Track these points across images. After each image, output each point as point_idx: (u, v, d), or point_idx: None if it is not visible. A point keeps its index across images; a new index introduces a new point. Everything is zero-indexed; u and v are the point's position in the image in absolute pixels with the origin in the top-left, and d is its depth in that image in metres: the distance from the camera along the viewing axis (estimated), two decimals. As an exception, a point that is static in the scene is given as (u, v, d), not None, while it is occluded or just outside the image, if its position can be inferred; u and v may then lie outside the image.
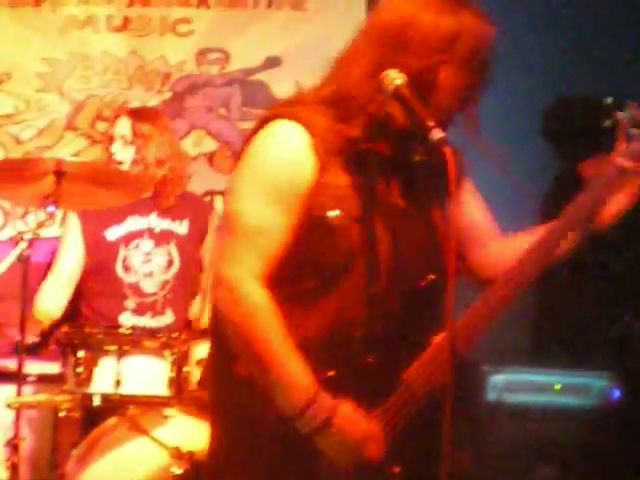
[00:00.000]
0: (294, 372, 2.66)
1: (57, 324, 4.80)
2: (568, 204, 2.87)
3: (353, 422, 2.67)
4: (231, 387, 2.88)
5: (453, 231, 2.67)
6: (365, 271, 2.77)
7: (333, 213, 2.73)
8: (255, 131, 2.80)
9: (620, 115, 2.89)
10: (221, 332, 2.80)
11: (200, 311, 5.01)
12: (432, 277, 2.83)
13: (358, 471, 2.72)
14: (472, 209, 3.00)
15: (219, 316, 2.78)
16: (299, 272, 2.77)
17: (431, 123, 2.60)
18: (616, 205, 2.92)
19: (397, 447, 2.75)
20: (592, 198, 2.88)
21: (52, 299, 4.84)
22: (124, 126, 4.99)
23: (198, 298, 5.06)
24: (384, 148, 2.80)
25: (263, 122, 2.79)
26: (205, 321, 4.86)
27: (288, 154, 2.74)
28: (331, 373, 2.71)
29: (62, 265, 4.94)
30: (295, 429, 2.66)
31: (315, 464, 2.72)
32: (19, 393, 4.01)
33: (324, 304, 2.77)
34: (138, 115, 5.06)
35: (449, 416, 2.54)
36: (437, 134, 2.57)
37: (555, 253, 2.90)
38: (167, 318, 4.96)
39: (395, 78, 2.68)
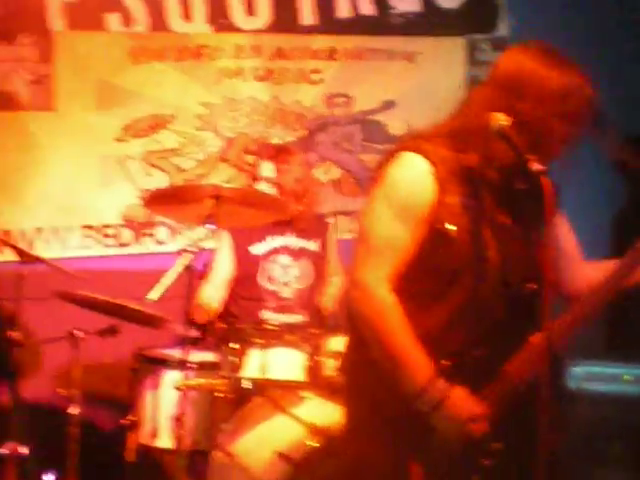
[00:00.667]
0: (416, 359, 2.70)
1: (212, 321, 4.84)
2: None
3: (463, 403, 2.69)
4: (364, 371, 2.90)
5: (549, 249, 2.68)
6: (475, 277, 2.78)
7: (451, 227, 2.75)
8: (386, 161, 2.83)
9: None
10: (355, 326, 2.85)
11: (327, 311, 5.04)
12: (531, 286, 2.82)
13: (464, 445, 2.72)
14: (563, 235, 2.99)
15: (353, 313, 2.82)
16: (420, 276, 2.79)
17: (531, 157, 2.61)
18: None
19: (498, 426, 2.74)
20: None
21: (209, 299, 4.89)
22: (268, 169, 5.02)
23: (326, 301, 5.07)
24: (493, 176, 2.80)
25: (393, 154, 2.82)
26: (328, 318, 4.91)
27: (413, 180, 2.77)
28: (445, 362, 2.72)
29: (217, 272, 4.99)
30: (414, 408, 2.68)
31: (429, 438, 2.73)
32: (185, 377, 4.06)
33: (440, 304, 2.79)
34: (279, 157, 5.07)
35: (546, 403, 2.54)
36: (536, 167, 2.58)
37: (628, 281, 2.89)
38: (300, 317, 4.98)
39: (501, 120, 2.69)
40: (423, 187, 2.76)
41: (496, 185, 2.81)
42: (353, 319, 2.84)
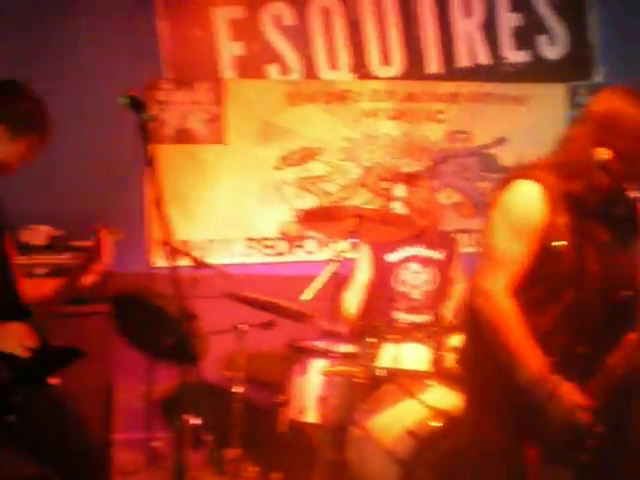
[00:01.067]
0: (532, 355, 2.71)
1: (354, 320, 4.86)
2: None
3: (571, 395, 2.68)
4: (483, 364, 2.90)
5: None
6: (579, 286, 2.77)
7: (559, 243, 2.75)
8: (502, 187, 2.86)
9: None
10: (476, 327, 2.84)
11: (449, 312, 5.01)
12: (628, 293, 2.78)
13: (571, 429, 2.70)
14: None
15: (476, 317, 2.82)
16: (533, 285, 2.80)
17: (629, 186, 2.59)
18: None
19: (600, 413, 2.71)
20: None
21: (351, 303, 4.92)
22: (401, 190, 5.05)
23: (448, 304, 5.04)
24: (594, 200, 2.78)
25: (509, 181, 2.85)
26: (450, 319, 4.88)
27: (527, 203, 2.78)
28: (553, 359, 2.72)
29: (357, 279, 5.02)
30: (529, 396, 2.69)
31: (543, 423, 2.71)
32: (329, 365, 4.09)
33: (550, 309, 2.79)
34: (410, 181, 5.10)
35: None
36: (634, 194, 2.56)
37: None
38: (426, 317, 4.96)
39: (602, 153, 2.67)
40: (536, 209, 2.77)
41: (597, 208, 2.81)
42: (477, 321, 2.84)
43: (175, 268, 2.71)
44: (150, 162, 2.77)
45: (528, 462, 2.75)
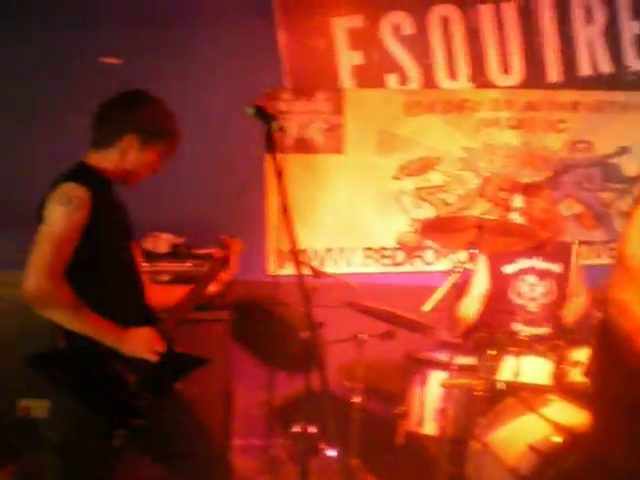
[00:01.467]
0: None
1: (470, 330, 4.81)
2: None
3: None
4: (616, 379, 2.85)
5: None
6: None
7: None
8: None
9: None
10: (608, 340, 2.79)
11: (569, 325, 4.90)
12: None
13: None
14: None
15: (610, 328, 2.77)
16: None
17: None
18: None
19: None
20: None
21: (468, 310, 4.88)
22: (518, 201, 4.98)
23: (568, 316, 4.94)
24: None
25: None
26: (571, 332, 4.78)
27: None
28: None
29: (474, 288, 4.98)
30: None
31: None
32: (449, 377, 4.04)
33: None
34: (528, 192, 5.03)
35: None
36: None
37: None
38: (545, 329, 4.88)
39: None
40: None
41: None
42: (610, 332, 2.77)
43: (301, 277, 2.73)
44: (278, 172, 2.78)
45: None
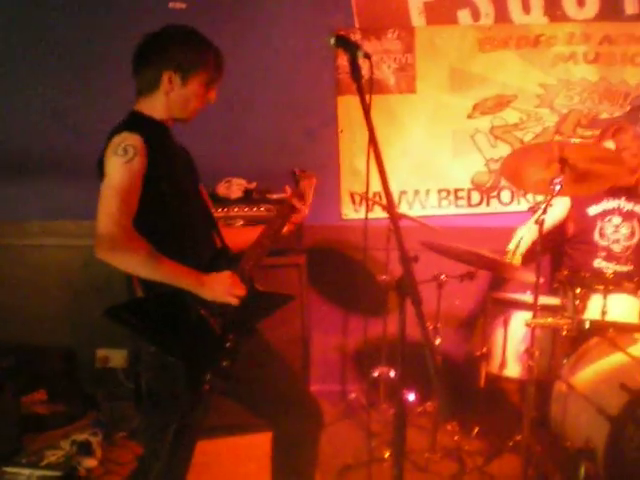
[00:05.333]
0: None
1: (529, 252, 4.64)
2: None
3: None
4: None
5: None
6: None
7: None
8: None
9: None
10: None
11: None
12: None
13: None
14: None
15: None
16: None
17: None
18: None
19: None
20: None
21: (520, 237, 4.60)
22: (610, 144, 4.81)
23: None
24: None
25: None
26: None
27: None
28: None
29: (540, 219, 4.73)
30: None
31: None
32: (534, 316, 3.96)
33: None
34: (617, 136, 4.85)
35: None
36: None
37: None
38: (628, 267, 4.79)
39: None
40: None
41: None
42: None
43: (394, 216, 2.67)
44: (365, 105, 2.71)
45: None
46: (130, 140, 2.94)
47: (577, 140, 4.79)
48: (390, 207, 2.69)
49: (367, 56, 2.77)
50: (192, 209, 3.17)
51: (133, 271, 2.93)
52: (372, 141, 2.61)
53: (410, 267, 2.46)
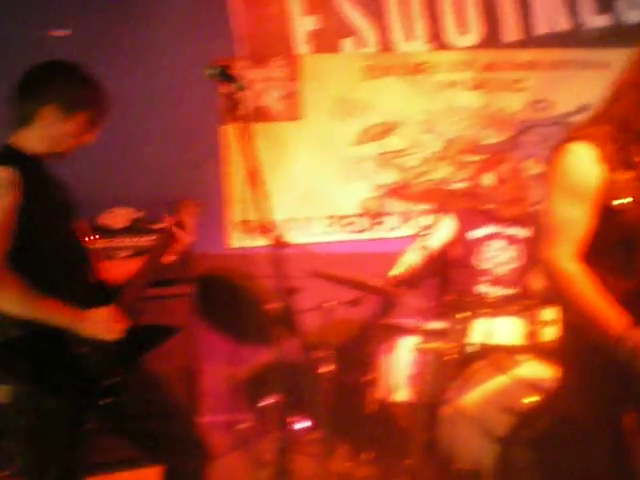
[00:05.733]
0: (610, 315, 2.63)
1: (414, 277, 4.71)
2: None
3: None
4: (569, 333, 2.89)
5: None
6: None
7: (622, 201, 2.69)
8: (557, 154, 2.79)
9: None
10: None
11: (538, 286, 4.90)
12: None
13: None
14: None
15: (551, 286, 2.82)
16: (603, 248, 2.73)
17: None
18: None
19: None
20: None
21: (405, 260, 4.71)
22: (489, 179, 4.91)
23: (537, 277, 4.93)
24: None
25: (561, 146, 2.78)
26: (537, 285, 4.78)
27: (581, 166, 2.72)
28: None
29: (432, 240, 4.84)
30: (617, 358, 2.60)
31: (634, 382, 2.65)
32: (420, 342, 4.01)
33: (627, 268, 2.72)
34: (496, 167, 4.94)
35: None
36: None
37: None
38: (512, 291, 4.87)
39: None
40: (591, 171, 2.71)
41: None
42: (553, 291, 2.81)
43: (273, 246, 2.66)
44: (244, 135, 2.70)
45: (627, 431, 2.66)
46: (3, 174, 2.87)
47: (456, 185, 4.88)
48: (272, 236, 2.69)
49: (242, 88, 2.77)
50: (62, 245, 3.09)
51: (7, 309, 2.85)
52: (253, 170, 2.61)
53: (289, 298, 2.46)
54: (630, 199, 2.68)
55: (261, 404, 4.93)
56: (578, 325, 2.75)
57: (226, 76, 2.75)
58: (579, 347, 2.81)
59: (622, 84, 2.84)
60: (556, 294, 2.82)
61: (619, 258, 2.72)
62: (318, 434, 4.86)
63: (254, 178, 2.60)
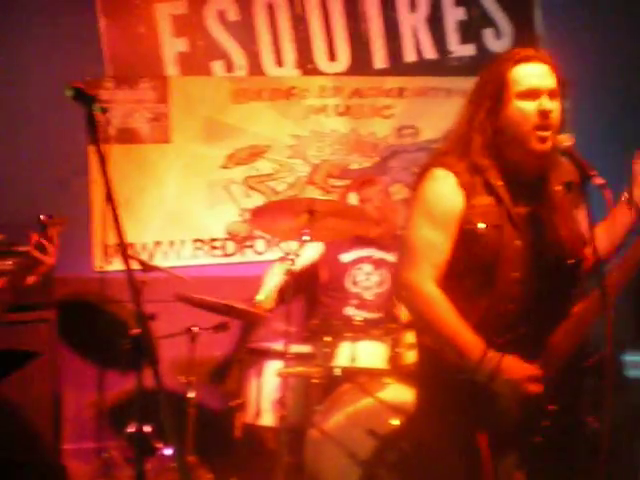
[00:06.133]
0: (467, 338, 2.67)
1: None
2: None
3: (516, 366, 2.65)
4: (426, 357, 2.93)
5: (593, 234, 2.64)
6: (507, 264, 2.74)
7: (480, 225, 2.74)
8: (419, 178, 2.85)
9: None
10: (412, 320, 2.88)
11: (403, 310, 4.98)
12: (570, 261, 2.80)
13: (524, 408, 2.67)
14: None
15: (408, 310, 2.89)
16: (463, 272, 2.78)
17: (593, 172, 2.59)
18: None
19: (551, 391, 2.69)
20: None
21: (267, 284, 4.73)
22: (353, 199, 5.00)
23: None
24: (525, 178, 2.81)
25: (423, 171, 2.84)
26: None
27: (441, 191, 2.77)
28: (498, 340, 2.69)
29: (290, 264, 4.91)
30: (475, 381, 2.65)
31: (492, 405, 2.69)
32: (285, 366, 4.02)
33: (484, 292, 2.75)
34: (362, 187, 5.04)
35: (611, 378, 2.51)
36: (599, 180, 2.57)
37: None
38: (377, 315, 4.94)
39: (565, 140, 2.68)
40: (451, 195, 2.77)
41: (512, 182, 2.80)
42: (410, 315, 2.86)
43: (130, 271, 2.61)
44: (101, 158, 2.65)
45: (482, 451, 2.70)
46: None
47: (323, 197, 4.91)
48: (136, 260, 2.65)
49: (104, 110, 2.72)
50: None
51: None
52: (109, 193, 2.57)
53: (149, 324, 2.42)
54: (484, 225, 2.75)
55: (127, 431, 4.84)
56: (435, 348, 2.79)
57: (83, 97, 2.69)
58: (435, 370, 2.84)
59: (467, 111, 2.88)
60: (415, 316, 2.87)
61: (478, 282, 2.77)
62: (183, 460, 4.81)
63: (111, 201, 2.55)
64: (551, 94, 2.75)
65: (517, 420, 2.70)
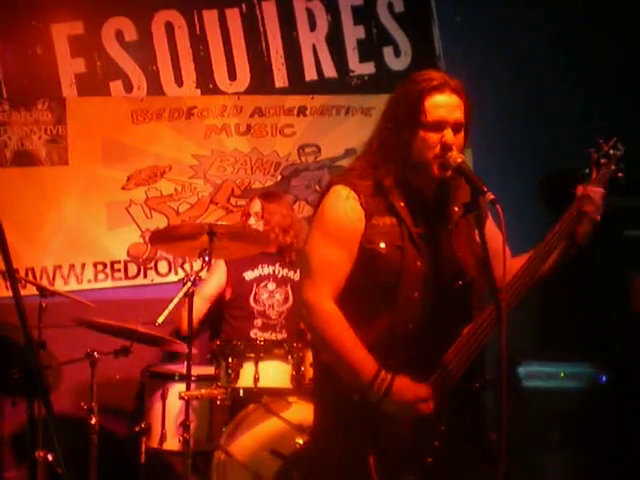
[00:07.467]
0: (361, 358, 2.70)
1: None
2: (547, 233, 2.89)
3: (408, 387, 2.69)
4: (321, 376, 2.96)
5: (487, 254, 2.67)
6: (408, 284, 2.76)
7: (382, 245, 2.76)
8: (321, 195, 2.89)
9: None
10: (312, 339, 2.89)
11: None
12: (460, 283, 2.82)
13: (415, 428, 2.71)
14: (492, 237, 2.84)
15: (306, 327, 2.89)
16: (361, 291, 2.80)
17: (484, 188, 2.64)
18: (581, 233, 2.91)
19: (442, 411, 2.73)
20: (563, 229, 2.88)
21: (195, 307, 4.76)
22: (257, 206, 5.03)
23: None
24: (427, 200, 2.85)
25: (326, 189, 2.88)
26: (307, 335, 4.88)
27: (343, 209, 2.79)
28: (390, 361, 2.71)
29: (205, 287, 4.94)
30: (366, 401, 2.68)
31: (383, 426, 2.71)
32: (188, 389, 4.01)
33: (384, 311, 2.77)
34: (267, 198, 5.10)
35: (506, 392, 2.54)
36: (490, 196, 2.62)
37: (541, 270, 2.89)
38: (282, 335, 4.96)
39: (457, 157, 2.72)
40: (351, 213, 2.79)
41: (413, 204, 2.83)
42: (309, 332, 2.88)
43: (18, 297, 2.56)
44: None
45: (370, 473, 2.71)
46: None
47: (224, 223, 4.91)
48: (13, 287, 2.58)
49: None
50: None
51: None
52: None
53: (38, 351, 2.38)
54: (384, 245, 2.77)
55: (28, 459, 4.75)
56: (330, 366, 2.80)
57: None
58: (330, 388, 2.86)
59: (380, 131, 2.91)
60: (312, 334, 2.88)
61: (379, 301, 2.78)
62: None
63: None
64: (455, 127, 2.77)
65: (408, 441, 2.73)
